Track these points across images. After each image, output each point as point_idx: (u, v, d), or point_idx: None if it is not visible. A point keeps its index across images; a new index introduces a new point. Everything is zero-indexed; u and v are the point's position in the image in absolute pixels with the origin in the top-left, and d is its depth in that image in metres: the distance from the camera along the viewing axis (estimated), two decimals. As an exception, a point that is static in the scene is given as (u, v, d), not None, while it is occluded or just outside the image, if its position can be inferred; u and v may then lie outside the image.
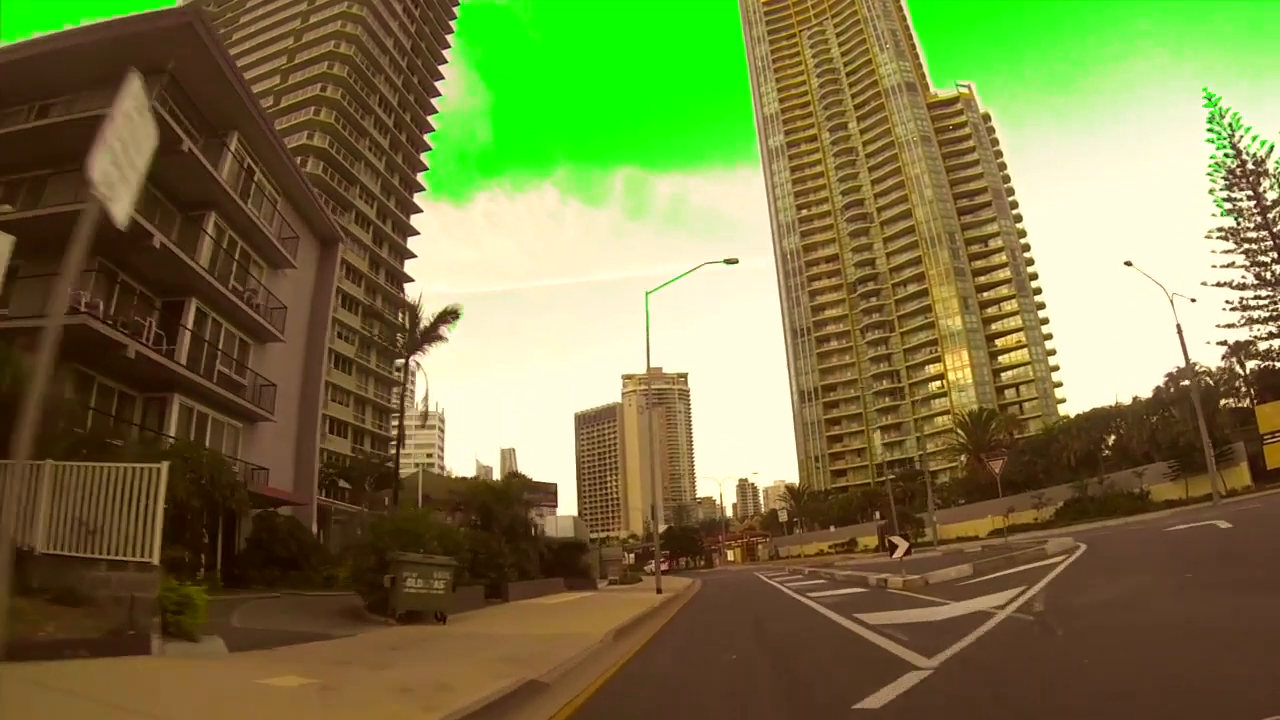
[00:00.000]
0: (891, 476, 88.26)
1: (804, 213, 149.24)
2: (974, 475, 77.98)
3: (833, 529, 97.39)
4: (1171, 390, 60.19)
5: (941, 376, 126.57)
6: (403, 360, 45.53)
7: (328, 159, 73.61)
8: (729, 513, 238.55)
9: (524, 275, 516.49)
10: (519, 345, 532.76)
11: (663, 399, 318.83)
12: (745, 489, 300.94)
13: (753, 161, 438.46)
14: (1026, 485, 67.93)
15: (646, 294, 28.28)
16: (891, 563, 21.69)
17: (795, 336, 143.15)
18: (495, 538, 23.82)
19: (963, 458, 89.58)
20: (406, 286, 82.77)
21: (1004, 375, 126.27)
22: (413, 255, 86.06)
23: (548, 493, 69.37)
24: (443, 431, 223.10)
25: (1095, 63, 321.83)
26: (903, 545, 20.68)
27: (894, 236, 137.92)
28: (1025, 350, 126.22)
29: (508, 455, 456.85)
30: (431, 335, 42.94)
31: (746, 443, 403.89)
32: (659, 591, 23.60)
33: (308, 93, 78.07)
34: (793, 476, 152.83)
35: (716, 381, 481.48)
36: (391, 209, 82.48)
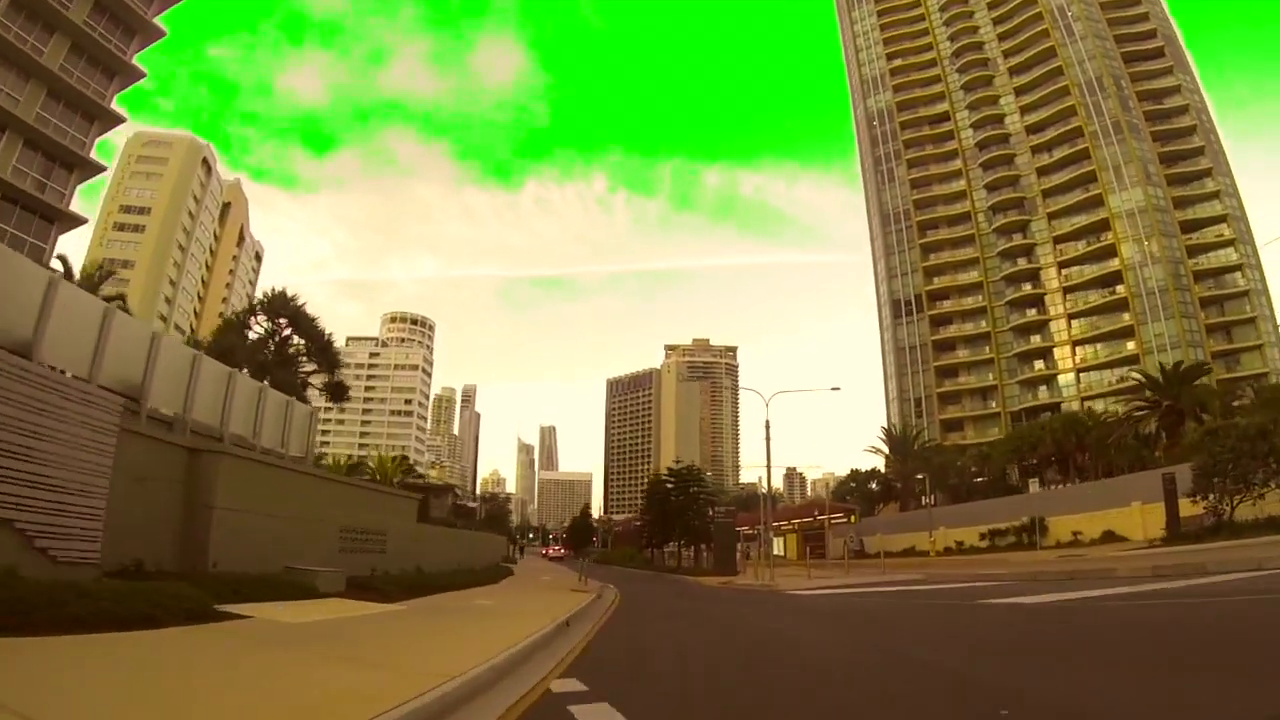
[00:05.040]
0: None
1: (897, 63, 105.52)
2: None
3: (1040, 485, 52.30)
4: None
5: (1117, 277, 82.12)
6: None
7: None
8: (760, 481, 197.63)
9: (572, 261, 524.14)
10: (563, 330, 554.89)
11: (708, 373, 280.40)
12: (793, 479, 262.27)
13: (809, 157, 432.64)
14: None
15: None
16: None
17: (886, 224, 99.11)
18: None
19: None
20: None
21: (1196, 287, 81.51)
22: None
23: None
24: (469, 402, 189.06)
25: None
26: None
27: (1029, 86, 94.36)
28: (1232, 249, 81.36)
29: (547, 433, 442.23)
30: None
31: (803, 435, 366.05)
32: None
33: None
34: (848, 476, 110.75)
35: (774, 369, 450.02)
36: None
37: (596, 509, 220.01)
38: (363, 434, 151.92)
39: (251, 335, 29.47)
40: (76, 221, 38.60)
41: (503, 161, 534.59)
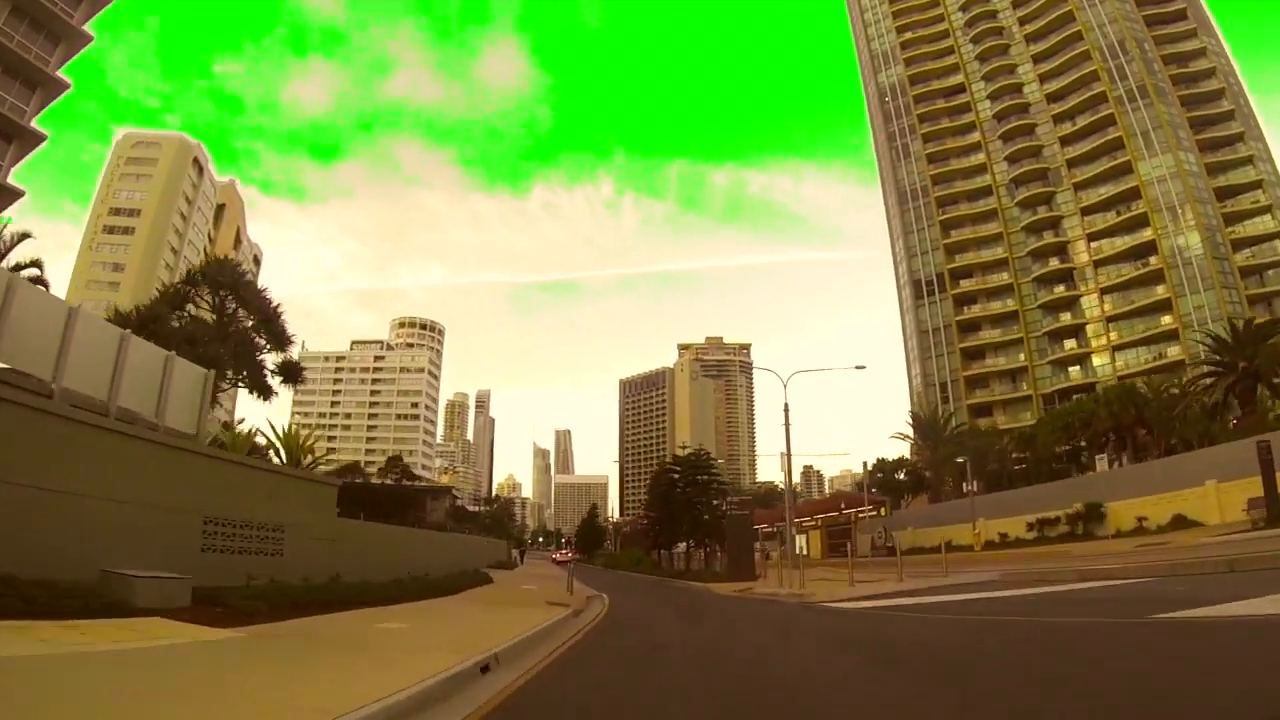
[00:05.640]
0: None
1: (907, 35, 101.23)
2: None
3: (1107, 464, 47.33)
4: None
5: (1151, 247, 77.55)
6: None
7: None
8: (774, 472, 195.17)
9: (581, 265, 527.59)
10: (575, 334, 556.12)
11: (722, 371, 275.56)
12: (810, 477, 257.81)
13: (816, 154, 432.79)
14: None
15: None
16: None
17: (903, 202, 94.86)
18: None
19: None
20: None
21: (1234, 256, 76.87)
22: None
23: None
24: (483, 408, 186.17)
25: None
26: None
27: (1048, 53, 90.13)
28: (1269, 215, 76.74)
29: (563, 437, 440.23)
30: None
31: (820, 431, 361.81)
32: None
33: None
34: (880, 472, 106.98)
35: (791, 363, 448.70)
36: None
37: (613, 512, 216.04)
38: (369, 439, 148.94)
39: (197, 311, 25.83)
40: (13, 195, 35.14)
41: (509, 167, 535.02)
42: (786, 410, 35.64)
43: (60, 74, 37.02)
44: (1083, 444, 53.25)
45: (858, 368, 41.00)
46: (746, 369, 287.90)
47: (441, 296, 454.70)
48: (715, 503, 46.02)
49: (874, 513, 61.28)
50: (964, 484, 52.29)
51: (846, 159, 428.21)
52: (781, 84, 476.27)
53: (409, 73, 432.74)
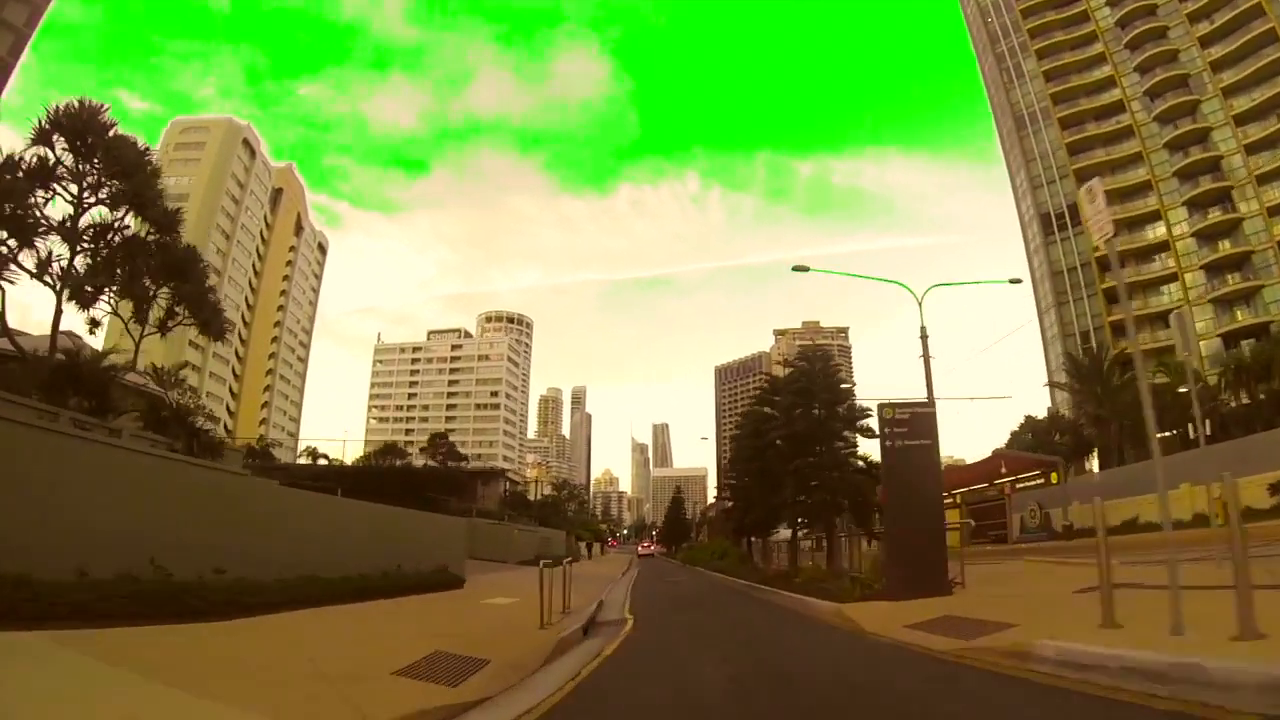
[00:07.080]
0: None
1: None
2: None
3: None
4: None
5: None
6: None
7: None
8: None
9: (672, 260, 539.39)
10: (669, 328, 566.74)
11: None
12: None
13: (904, 138, 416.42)
14: None
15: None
16: None
17: (1021, 128, 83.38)
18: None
19: None
20: None
21: None
22: None
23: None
24: (579, 404, 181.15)
25: None
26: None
27: (1173, -55, 76.63)
28: None
29: (660, 431, 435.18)
30: None
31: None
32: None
33: None
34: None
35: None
36: None
37: (710, 497, 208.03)
38: (447, 430, 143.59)
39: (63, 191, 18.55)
40: None
41: (595, 167, 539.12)
42: (924, 335, 26.38)
43: None
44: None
45: (1012, 281, 31.49)
46: (845, 354, 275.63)
47: (534, 297, 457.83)
48: (843, 443, 25.82)
49: (1042, 480, 48.59)
50: (1188, 424, 37.90)
51: (932, 144, 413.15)
52: (862, 68, 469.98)
53: (489, 82, 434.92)
